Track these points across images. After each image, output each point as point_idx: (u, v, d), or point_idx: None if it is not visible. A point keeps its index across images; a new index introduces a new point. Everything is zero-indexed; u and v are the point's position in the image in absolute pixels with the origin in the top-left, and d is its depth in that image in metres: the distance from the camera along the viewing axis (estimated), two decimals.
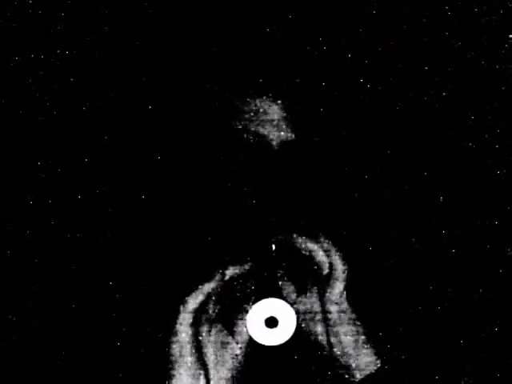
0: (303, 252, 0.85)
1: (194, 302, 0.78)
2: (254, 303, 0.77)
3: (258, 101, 0.96)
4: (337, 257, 0.84)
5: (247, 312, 0.78)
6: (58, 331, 0.99)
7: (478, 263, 1.16)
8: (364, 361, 0.85)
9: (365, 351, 0.85)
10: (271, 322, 0.77)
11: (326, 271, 0.85)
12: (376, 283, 1.06)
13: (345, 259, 0.84)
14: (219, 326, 0.82)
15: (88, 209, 1.10)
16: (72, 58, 1.13)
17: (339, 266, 0.84)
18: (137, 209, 1.06)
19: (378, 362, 0.85)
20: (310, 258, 0.85)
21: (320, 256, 0.84)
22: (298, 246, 0.85)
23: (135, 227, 1.04)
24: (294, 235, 0.84)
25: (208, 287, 0.78)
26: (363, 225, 1.12)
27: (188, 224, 0.98)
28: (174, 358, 0.78)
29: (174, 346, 0.78)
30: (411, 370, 0.88)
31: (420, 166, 1.17)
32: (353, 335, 0.85)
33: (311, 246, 0.84)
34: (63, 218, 1.10)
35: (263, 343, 0.77)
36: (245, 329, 0.80)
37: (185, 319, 0.77)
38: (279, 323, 0.77)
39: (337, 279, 0.84)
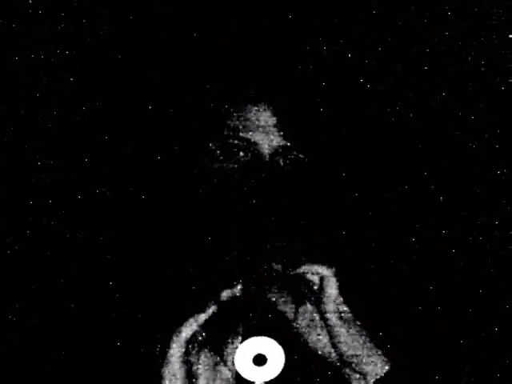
0: (294, 274, 0.85)
1: (187, 331, 0.78)
2: (243, 328, 0.78)
3: (249, 107, 0.96)
4: (324, 268, 0.85)
5: (234, 337, 0.79)
6: (56, 335, 0.99)
7: (478, 263, 1.16)
8: (374, 364, 0.84)
9: (373, 354, 0.84)
10: (260, 360, 0.78)
11: (316, 285, 0.85)
12: (374, 284, 1.06)
13: (333, 269, 0.85)
14: (208, 351, 0.81)
15: (87, 209, 1.10)
16: (72, 57, 1.13)
17: (329, 278, 0.85)
18: (128, 223, 1.06)
19: (388, 363, 0.85)
20: (301, 278, 0.86)
21: (310, 276, 0.86)
22: (289, 269, 0.85)
23: (129, 250, 1.04)
24: (285, 260, 0.85)
25: (203, 317, 0.78)
26: (363, 235, 1.11)
27: (180, 248, 0.97)
28: (165, 383, 0.78)
29: (165, 371, 0.78)
30: (422, 369, 0.88)
31: (418, 167, 1.17)
32: (358, 340, 0.84)
33: (302, 269, 0.85)
34: (63, 219, 1.10)
35: (252, 380, 0.78)
36: (233, 354, 0.81)
37: (177, 347, 0.77)
38: (268, 361, 0.78)
39: (329, 286, 0.85)
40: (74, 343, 0.95)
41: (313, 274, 0.86)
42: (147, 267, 0.99)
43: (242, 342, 0.79)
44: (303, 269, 0.86)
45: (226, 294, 0.81)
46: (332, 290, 0.85)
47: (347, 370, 0.85)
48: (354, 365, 0.84)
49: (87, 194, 1.11)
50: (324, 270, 0.85)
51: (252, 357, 0.78)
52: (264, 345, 0.78)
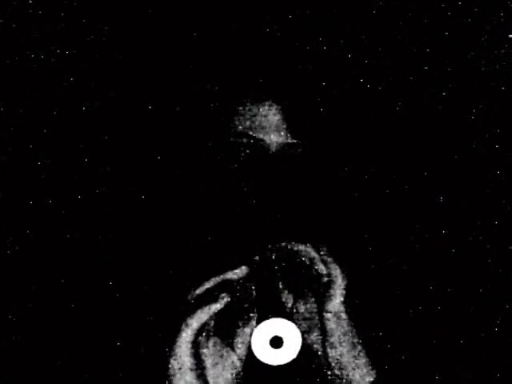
0: (302, 260, 0.85)
1: (197, 321, 0.77)
2: (252, 314, 0.77)
3: (256, 104, 0.96)
4: (336, 267, 0.84)
5: (244, 323, 0.78)
6: (57, 334, 0.99)
7: (478, 263, 1.16)
8: (360, 372, 0.83)
9: (361, 362, 0.84)
10: (276, 342, 0.77)
11: (324, 280, 0.85)
12: (375, 294, 1.05)
13: (344, 271, 0.84)
14: (217, 338, 0.81)
15: (87, 209, 1.10)
16: (72, 57, 1.13)
17: (338, 279, 0.84)
18: (138, 214, 1.06)
19: (373, 373, 0.84)
20: (309, 267, 0.85)
21: (319, 265, 0.85)
22: (297, 253, 0.85)
23: (137, 238, 1.04)
24: (293, 243, 0.85)
25: (214, 308, 0.77)
26: (364, 231, 1.11)
27: (190, 238, 0.97)
28: (173, 373, 0.77)
29: (173, 361, 0.77)
30: (407, 381, 0.88)
31: (421, 166, 1.17)
32: (349, 346, 0.84)
33: (310, 254, 0.85)
34: (63, 219, 1.10)
35: (268, 363, 0.77)
36: (243, 341, 0.80)
37: (186, 337, 0.77)
38: (284, 343, 0.77)
39: (336, 290, 0.84)
40: (80, 334, 0.96)
41: (321, 268, 0.85)
42: (156, 259, 0.99)
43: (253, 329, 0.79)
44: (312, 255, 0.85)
45: (236, 281, 0.81)
46: (337, 292, 0.83)
47: (332, 372, 0.85)
48: (338, 368, 0.84)
49: (87, 194, 1.11)
50: (333, 267, 0.84)
51: (269, 339, 0.77)
52: (281, 327, 0.77)
